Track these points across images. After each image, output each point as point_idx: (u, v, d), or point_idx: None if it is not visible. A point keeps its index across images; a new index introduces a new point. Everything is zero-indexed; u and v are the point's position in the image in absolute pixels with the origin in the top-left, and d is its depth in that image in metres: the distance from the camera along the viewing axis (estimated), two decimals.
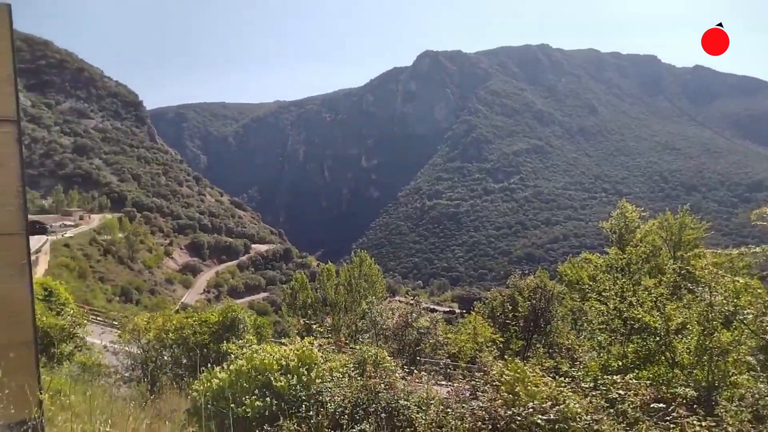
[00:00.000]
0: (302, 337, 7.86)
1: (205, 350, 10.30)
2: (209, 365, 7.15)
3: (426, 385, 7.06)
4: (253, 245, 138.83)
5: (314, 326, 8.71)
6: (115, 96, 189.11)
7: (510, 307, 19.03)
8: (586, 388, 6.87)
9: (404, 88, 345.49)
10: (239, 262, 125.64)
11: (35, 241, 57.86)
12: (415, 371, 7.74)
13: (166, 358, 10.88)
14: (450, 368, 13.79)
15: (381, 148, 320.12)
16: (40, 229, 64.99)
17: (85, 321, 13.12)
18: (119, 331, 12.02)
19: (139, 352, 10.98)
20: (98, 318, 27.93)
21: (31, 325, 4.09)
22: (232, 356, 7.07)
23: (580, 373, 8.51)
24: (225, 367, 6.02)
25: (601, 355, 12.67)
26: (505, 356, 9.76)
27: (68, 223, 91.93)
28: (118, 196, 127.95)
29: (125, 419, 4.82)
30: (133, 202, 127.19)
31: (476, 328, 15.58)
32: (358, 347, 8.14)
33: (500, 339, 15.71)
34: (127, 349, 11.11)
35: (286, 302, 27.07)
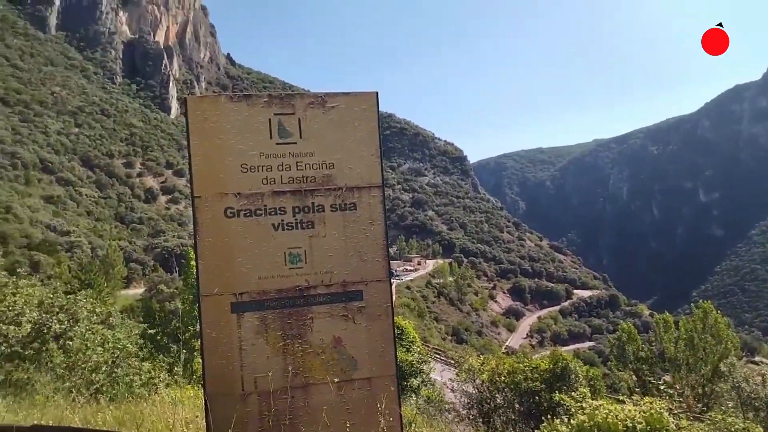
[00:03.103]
0: (640, 396, 6.99)
1: (537, 398, 10.13)
2: (545, 415, 6.94)
3: None
4: (575, 290, 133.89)
5: (661, 386, 7.68)
6: (444, 154, 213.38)
7: None
8: None
9: (752, 106, 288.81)
10: (561, 307, 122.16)
11: None
12: None
13: (499, 400, 11.11)
14: None
15: (723, 179, 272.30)
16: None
17: (429, 358, 14.57)
18: (456, 370, 12.91)
19: (474, 391, 11.50)
20: (438, 356, 30.84)
21: (394, 359, 4.66)
22: (570, 409, 6.75)
23: None
24: (565, 420, 5.76)
25: None
26: None
27: (409, 267, 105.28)
28: (448, 243, 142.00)
29: None
30: (461, 249, 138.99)
31: None
32: (720, 417, 6.79)
33: None
34: (463, 388, 11.78)
35: (614, 354, 25.02)
